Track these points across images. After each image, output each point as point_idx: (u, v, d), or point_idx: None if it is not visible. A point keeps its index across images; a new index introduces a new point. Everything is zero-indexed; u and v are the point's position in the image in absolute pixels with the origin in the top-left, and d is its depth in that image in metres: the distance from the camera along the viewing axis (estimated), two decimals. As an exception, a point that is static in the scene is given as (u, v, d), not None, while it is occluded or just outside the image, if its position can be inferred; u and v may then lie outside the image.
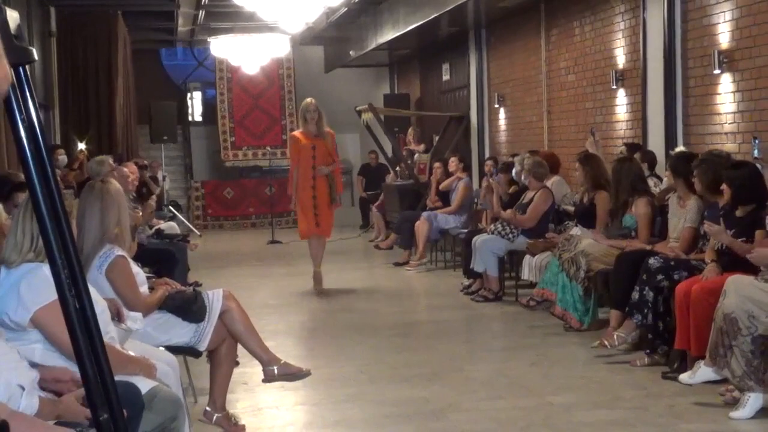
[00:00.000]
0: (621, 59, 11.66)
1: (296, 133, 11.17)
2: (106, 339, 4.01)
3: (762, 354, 5.73)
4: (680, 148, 9.37)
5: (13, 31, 1.52)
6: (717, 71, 9.45)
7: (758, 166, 7.07)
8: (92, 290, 4.26)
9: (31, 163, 1.56)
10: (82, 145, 14.55)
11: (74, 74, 15.78)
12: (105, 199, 5.16)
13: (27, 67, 1.59)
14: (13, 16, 1.53)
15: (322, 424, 5.93)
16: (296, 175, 10.89)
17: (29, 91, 1.57)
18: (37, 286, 3.91)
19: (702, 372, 6.05)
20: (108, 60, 15.73)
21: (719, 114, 9.55)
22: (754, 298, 5.80)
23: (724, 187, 6.66)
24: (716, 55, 9.39)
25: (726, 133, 9.41)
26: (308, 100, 11.05)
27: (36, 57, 1.59)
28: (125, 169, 10.84)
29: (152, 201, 11.62)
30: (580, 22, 12.76)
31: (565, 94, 13.29)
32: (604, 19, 12.05)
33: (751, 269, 6.11)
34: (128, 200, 8.80)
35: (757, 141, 8.21)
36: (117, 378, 3.62)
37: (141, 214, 9.50)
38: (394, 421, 5.90)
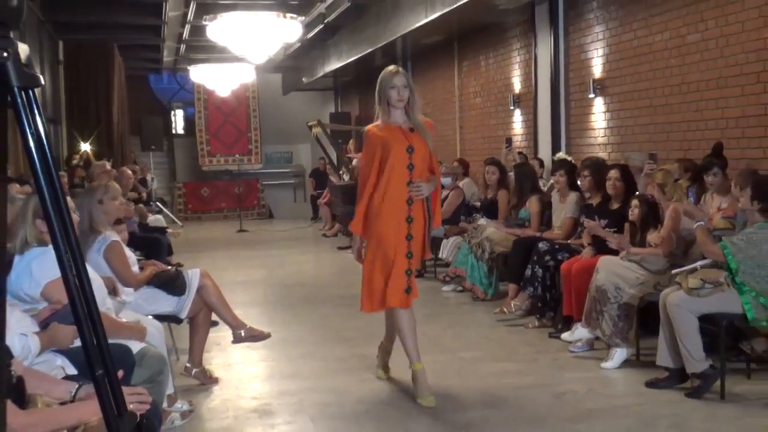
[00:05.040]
0: (517, 85, 11.77)
1: (375, 127, 5.29)
2: (103, 309, 4.00)
3: (626, 317, 5.82)
4: (561, 154, 9.48)
5: (24, 61, 1.51)
6: (592, 95, 9.59)
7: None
8: (90, 269, 4.24)
9: (38, 167, 1.54)
10: (86, 146, 14.38)
11: (78, 95, 15.53)
12: (85, 199, 5.28)
13: (35, 90, 1.57)
14: (23, 48, 1.51)
15: (280, 376, 5.91)
16: (375, 198, 5.17)
17: (37, 109, 1.55)
18: (46, 264, 3.89)
19: (579, 332, 6.14)
20: (106, 83, 15.50)
21: (594, 129, 9.69)
22: (619, 273, 5.89)
23: (611, 182, 6.72)
24: (591, 83, 9.53)
25: (599, 144, 9.55)
26: (392, 68, 5.37)
27: (43, 81, 1.57)
28: (129, 171, 10.76)
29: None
30: (485, 56, 12.84)
31: (474, 113, 13.38)
32: (504, 54, 12.15)
33: (617, 251, 6.21)
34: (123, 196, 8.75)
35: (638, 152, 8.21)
36: (112, 341, 3.60)
37: (133, 208, 9.39)
38: (338, 373, 5.90)
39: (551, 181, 8.90)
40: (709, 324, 5.14)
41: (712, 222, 5.87)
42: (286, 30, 11.06)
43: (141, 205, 11.39)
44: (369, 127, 5.35)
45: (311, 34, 14.43)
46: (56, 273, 3.77)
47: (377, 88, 5.32)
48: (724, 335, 5.08)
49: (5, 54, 1.45)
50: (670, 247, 5.83)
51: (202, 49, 16.96)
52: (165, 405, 4.72)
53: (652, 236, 6.00)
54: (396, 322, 5.31)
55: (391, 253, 5.13)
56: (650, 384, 5.31)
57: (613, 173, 6.74)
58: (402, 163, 5.13)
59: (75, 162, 13.26)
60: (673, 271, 5.44)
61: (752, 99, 7.09)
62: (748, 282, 4.97)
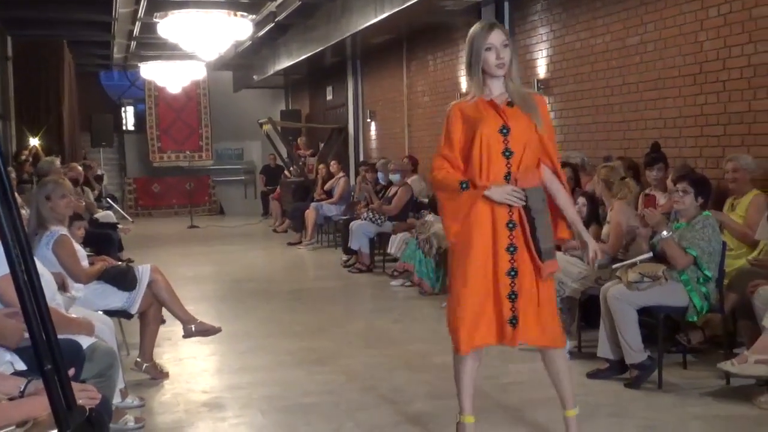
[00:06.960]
0: (464, 84, 11.81)
1: (462, 103, 3.88)
2: (53, 305, 3.93)
3: (569, 311, 5.89)
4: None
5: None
6: (536, 95, 9.66)
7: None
8: (40, 265, 4.16)
9: (-14, 161, 1.50)
10: (35, 141, 14.13)
11: (28, 91, 15.23)
12: (35, 196, 5.29)
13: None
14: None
15: (229, 370, 5.88)
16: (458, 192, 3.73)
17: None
18: (-5, 259, 3.79)
19: (524, 325, 6.17)
20: (56, 80, 15.21)
21: (538, 128, 9.76)
22: (562, 268, 5.94)
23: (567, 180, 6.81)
24: (536, 83, 9.60)
25: (543, 143, 9.62)
26: (483, 23, 3.73)
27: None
28: (80, 167, 10.64)
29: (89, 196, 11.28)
30: (433, 56, 12.88)
31: (422, 112, 13.41)
32: (451, 54, 12.20)
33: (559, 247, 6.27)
34: (74, 191, 8.63)
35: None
36: (63, 337, 3.53)
37: (84, 204, 9.23)
38: (287, 367, 5.88)
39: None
40: (647, 317, 5.22)
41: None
42: (237, 28, 10.96)
43: (91, 200, 11.21)
44: (454, 103, 3.89)
45: (262, 33, 14.31)
46: (5, 269, 3.71)
47: (468, 53, 3.73)
48: (661, 327, 5.17)
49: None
50: (619, 247, 5.88)
51: (152, 46, 16.72)
52: (118, 400, 4.66)
53: (594, 230, 6.07)
54: (456, 364, 3.96)
55: (484, 271, 3.70)
56: (591, 375, 5.38)
57: (568, 171, 6.86)
58: (494, 149, 3.66)
59: (23, 157, 13.00)
60: (614, 266, 5.52)
61: (689, 100, 7.22)
62: (710, 269, 5.08)
